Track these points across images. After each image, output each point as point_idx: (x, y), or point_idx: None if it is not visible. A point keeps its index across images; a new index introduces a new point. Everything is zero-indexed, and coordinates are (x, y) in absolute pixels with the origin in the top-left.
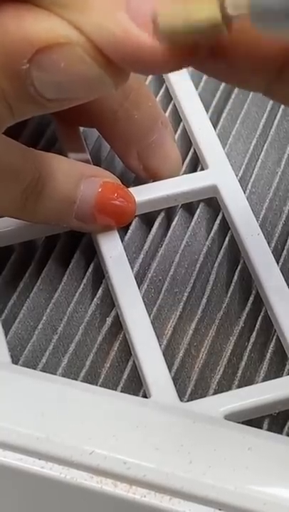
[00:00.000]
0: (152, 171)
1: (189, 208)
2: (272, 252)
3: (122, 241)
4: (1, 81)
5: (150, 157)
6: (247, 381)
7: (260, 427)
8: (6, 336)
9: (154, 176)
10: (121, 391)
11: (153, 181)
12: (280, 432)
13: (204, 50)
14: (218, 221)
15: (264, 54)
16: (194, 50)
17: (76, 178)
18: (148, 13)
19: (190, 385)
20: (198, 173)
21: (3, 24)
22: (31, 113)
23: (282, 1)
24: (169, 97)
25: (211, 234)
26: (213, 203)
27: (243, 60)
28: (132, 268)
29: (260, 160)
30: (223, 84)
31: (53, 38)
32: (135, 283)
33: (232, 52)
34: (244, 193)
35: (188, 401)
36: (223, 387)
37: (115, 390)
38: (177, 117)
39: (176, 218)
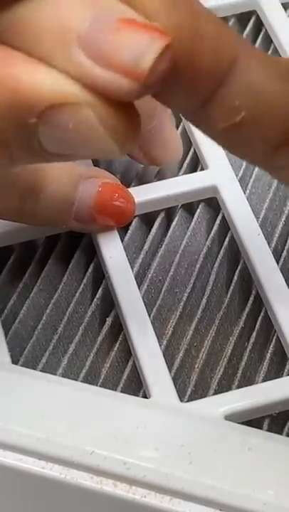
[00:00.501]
0: (153, 157)
1: (189, 208)
2: (273, 253)
3: (122, 241)
4: (6, 129)
5: (150, 144)
6: (247, 381)
7: (260, 428)
8: (6, 336)
9: (154, 163)
10: (121, 391)
11: (154, 179)
12: (280, 432)
13: (162, 71)
14: (218, 221)
15: (203, 73)
16: (152, 79)
17: (74, 179)
18: (102, 47)
19: (190, 386)
20: (199, 173)
21: (16, 73)
22: (30, 162)
23: None
24: None
25: (211, 234)
26: (213, 203)
27: (180, 76)
28: (132, 268)
29: None
30: None
31: (65, 97)
32: (135, 283)
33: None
34: (244, 193)
35: (188, 401)
36: (223, 387)
37: (115, 390)
38: (177, 117)
39: (176, 218)
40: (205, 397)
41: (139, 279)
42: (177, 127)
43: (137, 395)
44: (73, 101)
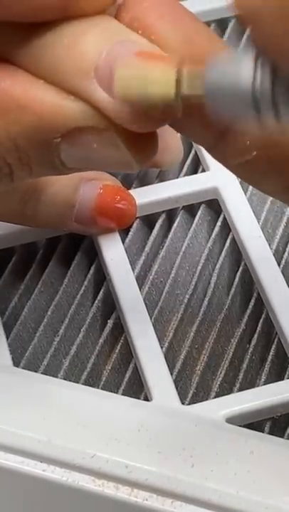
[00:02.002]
0: (153, 160)
1: (190, 210)
2: (274, 255)
3: (123, 243)
4: (29, 149)
5: None
6: (248, 384)
7: (262, 431)
8: (7, 339)
9: (155, 165)
10: (122, 394)
11: (156, 181)
12: (281, 435)
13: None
14: (219, 223)
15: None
16: (158, 115)
17: (75, 181)
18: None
19: (191, 388)
20: (199, 175)
21: (40, 96)
22: (47, 175)
23: (237, 89)
24: None
25: (212, 236)
26: (214, 205)
27: (192, 115)
28: (133, 270)
29: None
30: None
31: (92, 121)
32: (136, 285)
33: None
34: (245, 195)
35: (189, 404)
36: (225, 390)
37: (116, 392)
38: None
39: (177, 220)
40: (206, 399)
41: (141, 280)
42: None
43: (139, 398)
44: (102, 127)
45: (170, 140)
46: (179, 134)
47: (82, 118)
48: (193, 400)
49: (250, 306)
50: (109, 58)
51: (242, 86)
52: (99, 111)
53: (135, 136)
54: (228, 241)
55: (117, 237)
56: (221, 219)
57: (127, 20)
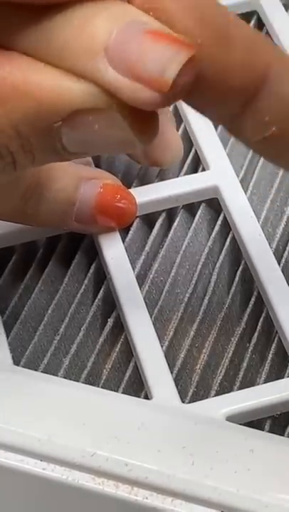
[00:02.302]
0: (154, 158)
1: (190, 209)
2: (274, 253)
3: (123, 242)
4: (31, 135)
5: (151, 145)
6: (248, 382)
7: (262, 429)
8: (8, 337)
9: (155, 164)
10: (122, 392)
11: (156, 180)
12: (281, 433)
13: (185, 89)
14: (219, 222)
15: (234, 84)
16: (175, 90)
17: (75, 180)
18: (126, 57)
19: (191, 387)
20: (200, 174)
21: (39, 81)
22: (49, 162)
23: None
24: None
25: (213, 235)
26: (214, 204)
27: (212, 88)
28: (134, 269)
29: (261, 161)
30: None
31: (92, 102)
32: (136, 284)
33: (199, 84)
34: (245, 193)
35: (189, 402)
36: (225, 388)
37: (117, 391)
38: (178, 117)
39: (177, 219)
40: (206, 398)
41: (141, 279)
42: (178, 128)
43: (139, 396)
44: (104, 107)
45: (170, 138)
46: (178, 132)
47: (82, 100)
48: (194, 399)
49: (250, 305)
50: (120, 38)
51: None
52: (99, 91)
53: (137, 114)
54: (228, 240)
55: (117, 236)
56: (221, 218)
57: (138, 2)
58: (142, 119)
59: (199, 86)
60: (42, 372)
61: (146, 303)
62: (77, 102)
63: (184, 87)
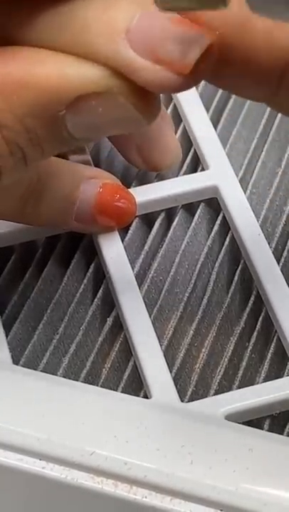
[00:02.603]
0: (152, 163)
1: (190, 209)
2: (273, 253)
3: (122, 241)
4: (37, 128)
5: (150, 150)
6: (248, 382)
7: (261, 428)
8: (7, 337)
9: (154, 169)
10: (121, 391)
11: (154, 181)
12: (280, 432)
13: (208, 67)
14: (218, 221)
15: (263, 64)
16: (197, 68)
17: (75, 180)
18: (148, 40)
19: (191, 386)
20: (199, 174)
21: (43, 72)
22: (58, 152)
23: None
24: (169, 97)
25: (212, 234)
26: (213, 204)
27: (243, 71)
28: (133, 268)
29: (260, 160)
30: None
31: (93, 86)
32: (136, 283)
33: (232, 64)
34: (244, 193)
35: (188, 401)
36: (224, 387)
37: (116, 390)
38: (177, 117)
39: (176, 219)
40: (205, 397)
41: (140, 279)
42: (178, 127)
43: (138, 395)
44: (105, 90)
45: (169, 143)
46: (178, 132)
47: (84, 86)
48: (193, 398)
49: (249, 304)
50: (143, 21)
51: None
52: (101, 75)
53: (139, 93)
54: (228, 239)
55: (116, 235)
56: (220, 217)
57: None
58: (144, 98)
59: (231, 70)
60: (41, 371)
61: (145, 302)
62: (80, 88)
63: (204, 71)
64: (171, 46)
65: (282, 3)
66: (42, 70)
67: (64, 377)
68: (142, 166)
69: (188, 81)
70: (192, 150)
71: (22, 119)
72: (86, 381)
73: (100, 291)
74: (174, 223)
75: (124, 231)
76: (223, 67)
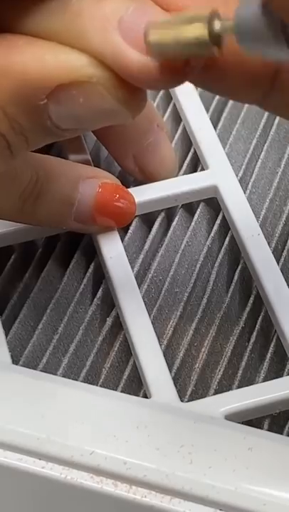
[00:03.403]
0: (148, 173)
1: (189, 208)
2: (273, 252)
3: (122, 241)
4: (19, 116)
5: (146, 160)
6: (247, 381)
7: (261, 427)
8: (7, 336)
9: (150, 178)
10: (121, 391)
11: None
12: (280, 432)
13: (196, 67)
14: (218, 221)
15: (254, 67)
16: (185, 67)
17: (74, 179)
18: (140, 31)
19: (190, 385)
20: (199, 174)
21: (20, 60)
22: (45, 142)
23: (267, 24)
24: (169, 97)
25: (212, 234)
26: (213, 203)
27: (234, 74)
28: (132, 268)
29: (260, 160)
30: None
31: (73, 75)
32: (135, 283)
33: (223, 67)
34: (244, 193)
35: (188, 401)
36: (224, 387)
37: (115, 390)
38: (177, 117)
39: (176, 218)
40: (205, 397)
41: (140, 279)
42: (178, 127)
43: (138, 395)
44: (85, 79)
45: (166, 154)
46: (178, 132)
47: (64, 75)
48: (192, 397)
49: (249, 304)
50: (136, 13)
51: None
52: (80, 64)
53: (122, 85)
54: (227, 239)
55: (116, 235)
56: (220, 217)
57: None
58: (126, 89)
59: (222, 72)
60: (41, 371)
61: (145, 302)
62: (59, 76)
63: (193, 68)
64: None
65: (272, 46)
66: (20, 57)
67: (64, 377)
68: (138, 175)
69: (176, 77)
70: (192, 150)
71: (3, 106)
72: (86, 381)
73: (100, 291)
74: (174, 223)
75: (124, 231)
76: (215, 70)
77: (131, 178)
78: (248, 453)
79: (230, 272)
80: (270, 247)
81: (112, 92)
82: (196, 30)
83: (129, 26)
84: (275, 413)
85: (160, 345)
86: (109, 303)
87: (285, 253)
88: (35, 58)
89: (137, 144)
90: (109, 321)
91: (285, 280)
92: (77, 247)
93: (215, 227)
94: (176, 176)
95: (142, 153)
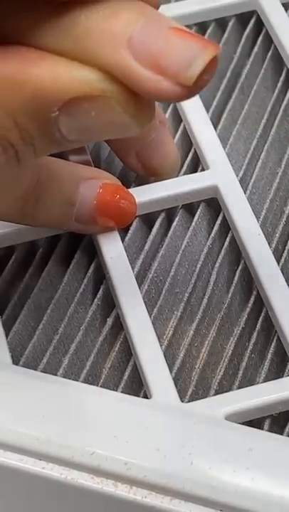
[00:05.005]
0: (151, 169)
1: (190, 209)
2: (273, 253)
3: (122, 241)
4: (29, 126)
5: (149, 156)
6: (248, 382)
7: (261, 428)
8: (7, 337)
9: (153, 175)
10: (122, 392)
11: (154, 181)
12: (280, 432)
13: (208, 80)
14: (218, 221)
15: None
16: (198, 81)
17: (75, 180)
18: (150, 49)
19: (191, 386)
20: (199, 174)
21: (35, 72)
22: (51, 152)
23: None
24: None
25: (212, 234)
26: (213, 204)
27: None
28: (133, 268)
29: (260, 160)
30: (223, 84)
31: (87, 89)
32: (136, 283)
33: None
34: (245, 193)
35: (189, 401)
36: (224, 387)
37: (116, 390)
38: (177, 117)
39: (176, 219)
40: (206, 397)
41: (140, 279)
42: (178, 127)
43: (138, 395)
44: (98, 94)
45: (168, 150)
46: (178, 132)
47: (77, 88)
48: (193, 398)
49: (249, 305)
50: (146, 30)
51: None
52: (94, 79)
53: (133, 98)
54: (228, 239)
55: (116, 235)
56: (220, 217)
57: None
58: (138, 104)
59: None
60: (41, 371)
61: (145, 302)
62: (72, 89)
63: (204, 82)
64: (175, 57)
65: None
66: (36, 70)
67: (64, 377)
68: (141, 172)
69: (189, 92)
70: (192, 150)
71: (14, 116)
72: (86, 381)
73: (100, 291)
74: (174, 223)
75: (124, 231)
76: None
77: (131, 178)
78: (249, 453)
79: (230, 272)
80: (270, 247)
81: (124, 106)
82: None
83: (139, 45)
84: (275, 414)
85: (160, 345)
86: (110, 303)
87: (285, 253)
88: (49, 71)
89: (140, 141)
90: (109, 321)
91: (286, 280)
92: (77, 247)
93: (215, 228)
94: (177, 176)
95: (145, 149)
